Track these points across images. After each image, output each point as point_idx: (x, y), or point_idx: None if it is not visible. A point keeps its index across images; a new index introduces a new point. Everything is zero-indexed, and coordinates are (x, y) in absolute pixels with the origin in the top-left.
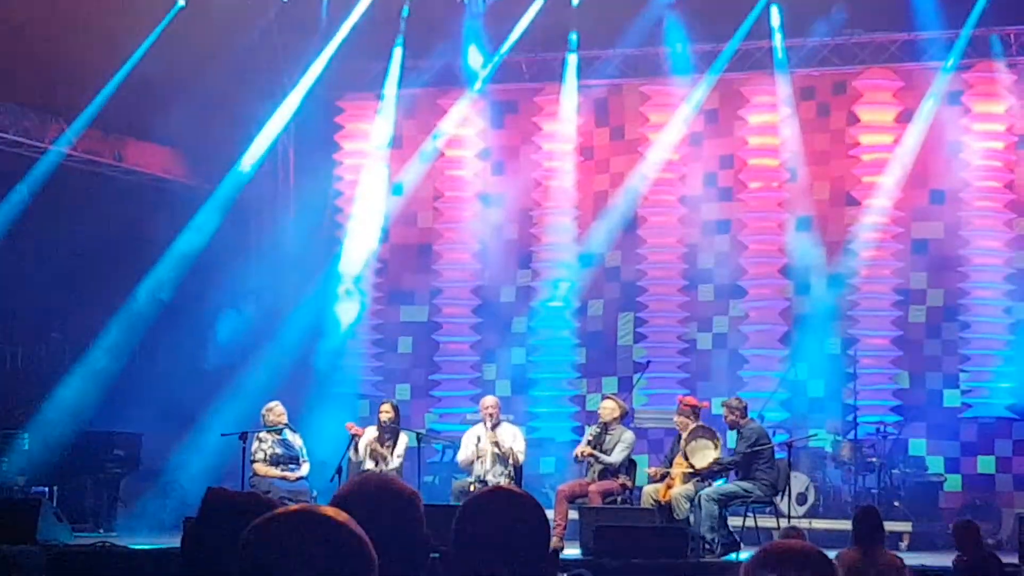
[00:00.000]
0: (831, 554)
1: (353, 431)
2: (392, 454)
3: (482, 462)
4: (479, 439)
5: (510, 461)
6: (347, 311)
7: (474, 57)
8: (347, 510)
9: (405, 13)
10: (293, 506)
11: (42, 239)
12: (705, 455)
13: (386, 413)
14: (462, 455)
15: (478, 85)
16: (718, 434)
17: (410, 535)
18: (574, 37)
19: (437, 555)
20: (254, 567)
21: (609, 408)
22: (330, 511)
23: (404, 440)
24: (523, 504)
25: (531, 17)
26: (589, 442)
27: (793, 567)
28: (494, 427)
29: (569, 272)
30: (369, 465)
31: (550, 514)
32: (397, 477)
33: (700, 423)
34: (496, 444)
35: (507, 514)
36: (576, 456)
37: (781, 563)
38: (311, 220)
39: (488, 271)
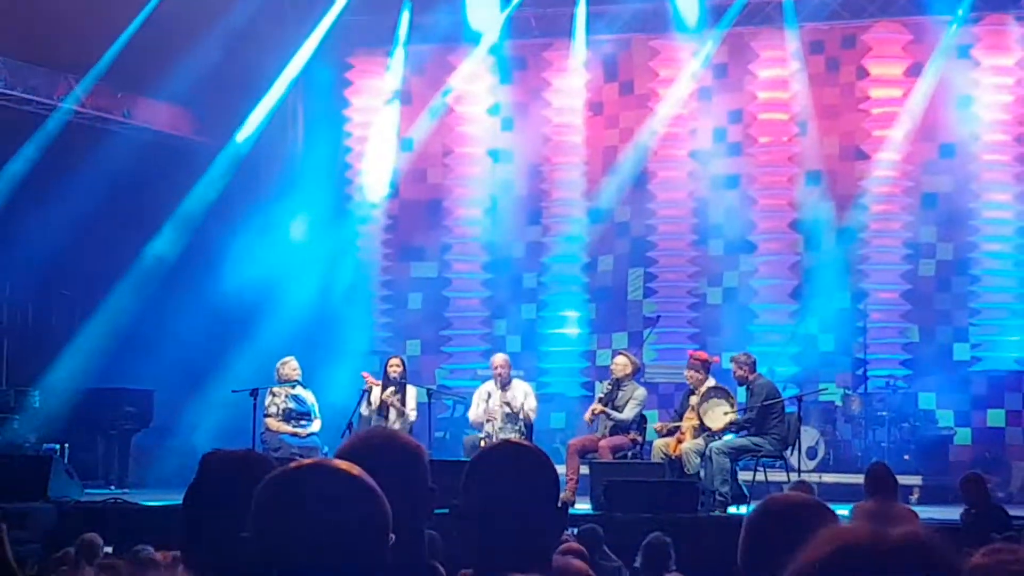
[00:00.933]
0: (844, 508)
1: (369, 381)
2: (405, 407)
3: (492, 421)
4: (489, 396)
5: (521, 419)
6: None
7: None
8: (354, 463)
9: None
10: (307, 460)
11: (51, 196)
12: (720, 415)
13: (395, 368)
14: (473, 414)
15: (489, 41)
16: (732, 395)
17: (414, 489)
18: None
19: (447, 510)
20: (268, 520)
21: (622, 364)
22: (343, 465)
23: (413, 393)
24: (532, 458)
25: None
26: (601, 399)
27: (794, 518)
28: (504, 386)
29: (579, 227)
30: (377, 421)
31: (561, 469)
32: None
33: (714, 383)
34: (507, 404)
35: (516, 468)
36: (588, 419)
37: (784, 515)
38: (320, 176)
39: (498, 227)
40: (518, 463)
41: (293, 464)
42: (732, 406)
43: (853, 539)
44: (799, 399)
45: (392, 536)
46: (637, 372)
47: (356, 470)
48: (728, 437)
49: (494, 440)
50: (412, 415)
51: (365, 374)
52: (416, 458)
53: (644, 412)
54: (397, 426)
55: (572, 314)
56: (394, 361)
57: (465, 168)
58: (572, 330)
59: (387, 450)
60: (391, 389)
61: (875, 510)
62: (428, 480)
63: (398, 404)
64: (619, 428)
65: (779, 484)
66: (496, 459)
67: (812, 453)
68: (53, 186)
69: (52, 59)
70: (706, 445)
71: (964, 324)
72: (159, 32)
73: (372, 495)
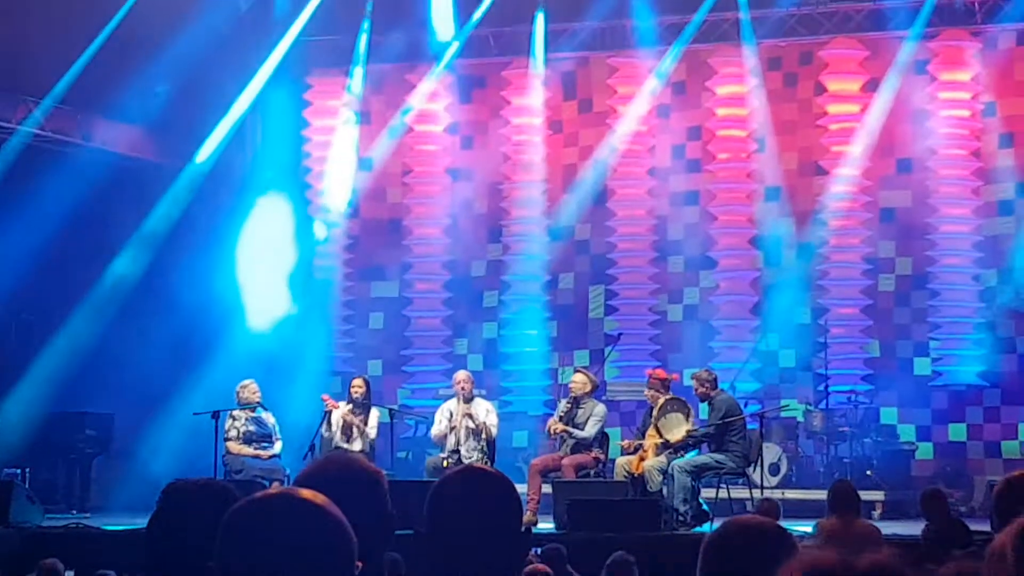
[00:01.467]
0: (807, 524)
1: (329, 404)
2: (366, 426)
3: (455, 436)
4: (451, 414)
5: (483, 435)
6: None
7: (442, 25)
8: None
9: None
10: (272, 489)
11: (10, 220)
12: (678, 428)
13: (358, 388)
14: (435, 430)
15: (445, 61)
16: (689, 406)
17: (374, 513)
18: (540, 12)
19: (410, 531)
20: (235, 551)
21: (580, 382)
22: (308, 494)
23: (376, 414)
24: (494, 483)
25: None
26: (561, 417)
27: (752, 541)
28: (467, 401)
29: (539, 246)
30: (340, 441)
31: (523, 489)
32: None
33: (672, 396)
34: (469, 417)
35: (479, 493)
36: (548, 431)
37: (742, 535)
38: (279, 197)
39: (458, 246)
40: (481, 488)
41: (259, 494)
42: (688, 418)
43: (822, 566)
44: (761, 415)
45: (358, 564)
46: (596, 389)
47: (321, 499)
48: (691, 455)
49: (457, 455)
50: (372, 433)
51: (325, 396)
52: (375, 483)
53: (606, 429)
54: (358, 446)
55: (533, 332)
56: (357, 381)
57: (425, 187)
58: (532, 348)
59: (346, 476)
60: (349, 407)
61: (838, 527)
62: (388, 505)
63: (359, 423)
64: (581, 446)
65: (742, 501)
66: (459, 484)
67: (775, 469)
68: (12, 210)
69: (10, 82)
70: (668, 463)
71: (924, 339)
72: (118, 54)
73: (338, 525)
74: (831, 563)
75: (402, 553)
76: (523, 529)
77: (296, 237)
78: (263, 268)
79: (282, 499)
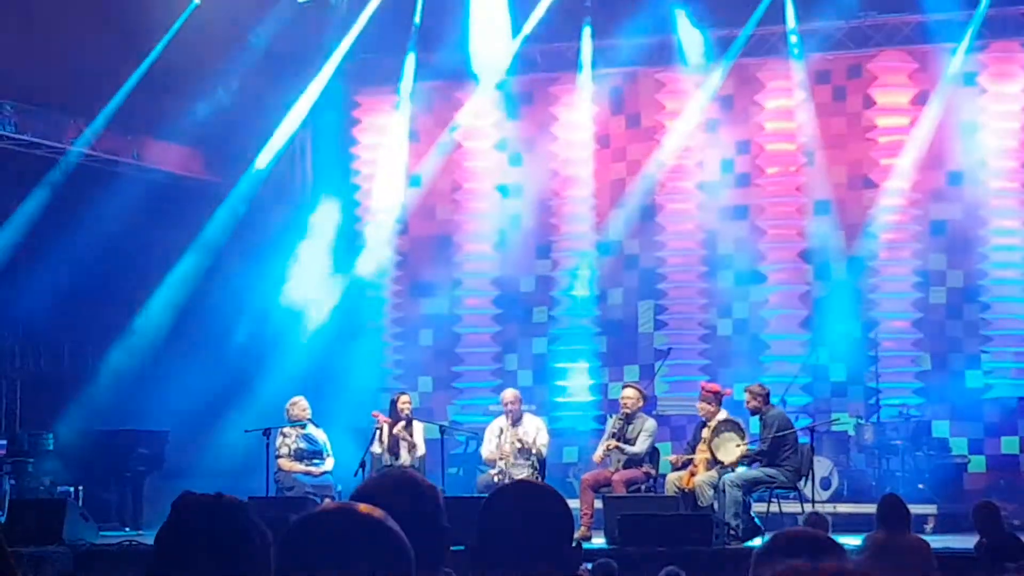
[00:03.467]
0: (858, 538)
1: (381, 419)
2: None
3: (504, 459)
4: (501, 432)
5: (533, 453)
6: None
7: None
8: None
9: (419, 6)
10: (331, 504)
11: (63, 239)
12: (731, 448)
13: (405, 404)
14: (485, 450)
15: (497, 79)
16: (743, 426)
17: (430, 529)
18: (588, 27)
19: (462, 547)
20: (295, 566)
21: (633, 397)
22: (366, 508)
23: (420, 428)
24: (546, 497)
25: (545, 7)
26: (613, 434)
27: (802, 551)
28: (515, 422)
29: (588, 260)
30: (389, 459)
31: (575, 504)
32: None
33: (726, 416)
34: (519, 440)
35: (530, 508)
36: (598, 459)
37: (790, 547)
38: (329, 214)
39: (507, 262)
40: (533, 502)
41: (317, 508)
42: (743, 439)
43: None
44: (812, 429)
45: None
46: (646, 403)
47: (379, 513)
48: (741, 469)
49: (507, 477)
50: (421, 449)
51: (376, 413)
52: (431, 498)
53: (656, 444)
54: (408, 461)
55: (582, 347)
56: (403, 397)
57: (474, 203)
58: (583, 364)
59: (403, 490)
60: (401, 423)
61: (887, 540)
62: (443, 519)
63: (409, 438)
64: (632, 461)
65: (793, 515)
66: (511, 499)
67: (826, 484)
68: (64, 229)
69: (61, 103)
70: (719, 477)
71: (976, 351)
72: (167, 74)
73: (396, 538)
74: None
75: (454, 568)
76: (574, 544)
77: (346, 253)
78: (313, 285)
79: (340, 514)
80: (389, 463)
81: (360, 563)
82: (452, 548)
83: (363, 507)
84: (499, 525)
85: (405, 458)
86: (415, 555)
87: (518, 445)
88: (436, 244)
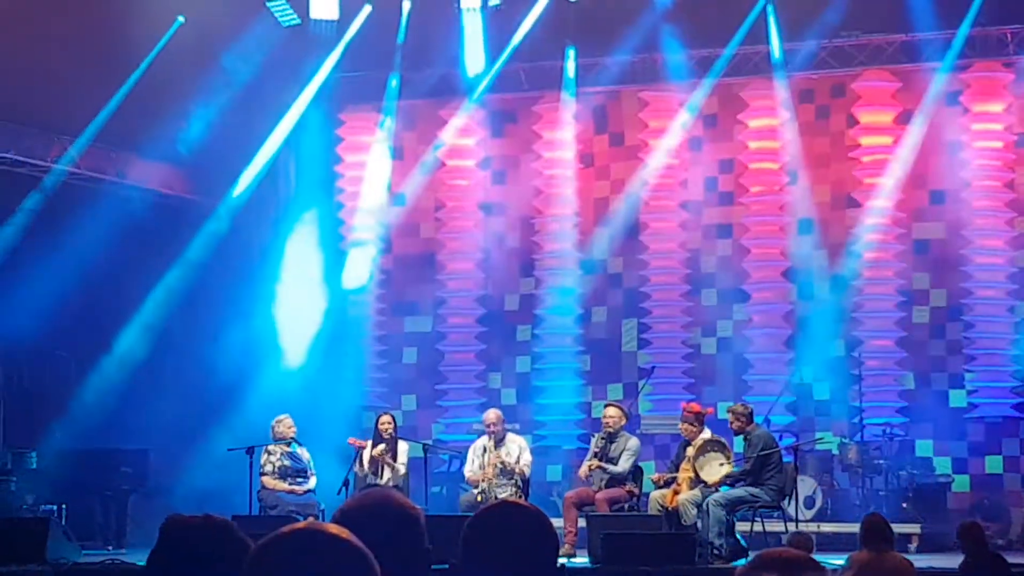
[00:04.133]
0: (841, 557)
1: (356, 445)
2: (396, 462)
3: (487, 479)
4: (485, 450)
5: (516, 474)
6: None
7: (472, 60)
8: (349, 526)
9: (403, 25)
10: (298, 524)
11: (46, 258)
12: (716, 468)
13: (385, 424)
14: (468, 470)
15: (476, 94)
16: (728, 448)
17: (411, 550)
18: (571, 46)
19: (445, 566)
20: None
21: (616, 416)
22: (334, 528)
23: (404, 448)
24: (529, 517)
25: (528, 26)
26: (596, 453)
27: (784, 571)
28: (498, 444)
29: (571, 279)
30: (371, 478)
31: (559, 522)
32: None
33: (711, 436)
34: (501, 461)
35: (514, 528)
36: (583, 476)
37: (773, 567)
38: (313, 233)
39: (491, 280)
40: (517, 523)
41: (285, 528)
42: (728, 459)
43: None
44: (795, 449)
45: None
46: (629, 422)
47: (346, 533)
48: (725, 489)
49: (489, 498)
50: (402, 469)
51: (352, 440)
52: (413, 519)
53: (639, 463)
54: (391, 481)
55: (566, 366)
56: (384, 418)
57: (457, 222)
58: (565, 382)
59: (384, 512)
60: (382, 446)
61: (870, 560)
62: (425, 541)
63: (389, 460)
64: (615, 480)
65: (777, 535)
66: (495, 519)
67: (810, 503)
68: (47, 247)
69: (45, 120)
70: (703, 496)
71: (959, 371)
72: (152, 92)
73: (362, 557)
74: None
75: None
76: (559, 566)
77: (329, 272)
78: (296, 303)
79: (307, 533)
80: (372, 483)
81: None
82: (434, 567)
83: (329, 527)
84: (483, 545)
85: (388, 477)
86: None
87: (500, 467)
88: (420, 262)
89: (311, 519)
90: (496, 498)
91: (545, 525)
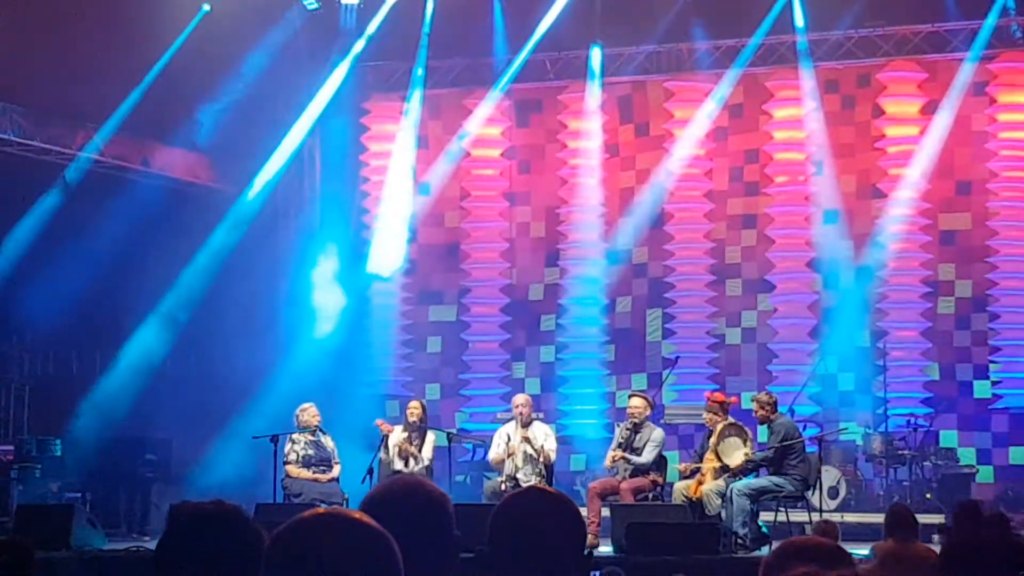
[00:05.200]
0: (865, 548)
1: (383, 428)
2: (421, 452)
3: (513, 460)
4: (509, 437)
5: (541, 459)
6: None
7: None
8: (377, 512)
9: (429, 14)
10: (320, 509)
11: (72, 245)
12: (737, 453)
13: (414, 412)
14: (493, 453)
15: (502, 83)
16: (748, 431)
17: (439, 536)
18: (598, 36)
19: (471, 554)
20: (282, 568)
21: (640, 406)
22: (355, 514)
23: (431, 438)
24: (558, 504)
25: (555, 15)
26: (620, 444)
27: (810, 559)
28: (525, 425)
29: (596, 269)
30: (399, 465)
31: (583, 512)
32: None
33: (730, 420)
34: (527, 442)
35: (542, 514)
36: (608, 466)
37: (799, 556)
38: (338, 222)
39: (516, 269)
40: (545, 509)
41: (306, 513)
42: (746, 443)
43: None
44: (820, 439)
45: None
46: (654, 412)
47: (367, 519)
48: (749, 478)
49: (515, 481)
50: (426, 460)
51: (379, 421)
52: (441, 506)
53: (664, 453)
54: (415, 469)
55: (590, 356)
56: (413, 404)
57: (482, 211)
58: (590, 372)
59: (412, 499)
60: (405, 436)
61: (895, 550)
62: (453, 528)
63: (413, 450)
64: (639, 470)
65: (801, 525)
66: (523, 505)
67: (833, 493)
68: (73, 234)
69: (71, 109)
70: (727, 486)
71: (984, 361)
72: (177, 80)
73: (384, 544)
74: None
75: (463, 575)
76: (586, 552)
77: (354, 260)
78: (323, 292)
79: (328, 518)
80: (398, 469)
81: (345, 567)
82: (461, 555)
83: (351, 512)
84: (510, 532)
85: (412, 467)
86: (425, 563)
87: (527, 448)
88: (445, 252)
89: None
90: (520, 485)
91: (573, 511)
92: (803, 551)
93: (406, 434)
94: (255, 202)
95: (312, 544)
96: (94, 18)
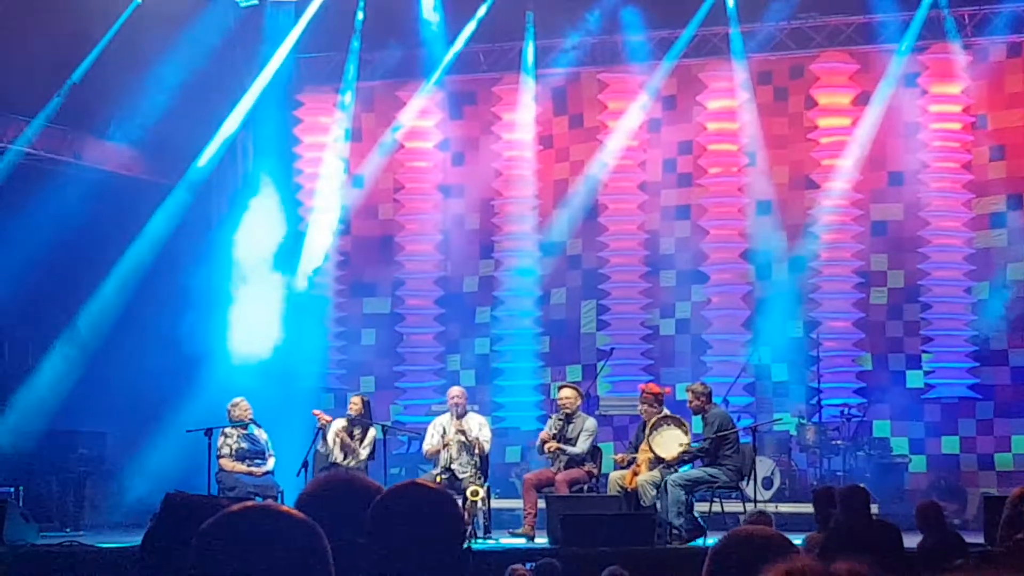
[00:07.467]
0: (799, 538)
1: (321, 419)
2: (360, 447)
3: (448, 452)
4: (444, 429)
5: (476, 450)
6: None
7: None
8: (314, 507)
9: (362, 5)
10: (248, 503)
11: (2, 238)
12: (673, 444)
13: (355, 406)
14: (427, 445)
15: (435, 76)
16: (685, 422)
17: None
18: (530, 28)
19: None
20: (209, 562)
21: (571, 397)
22: (284, 508)
23: (373, 434)
24: (436, 499)
25: (487, 7)
26: (554, 435)
27: (756, 551)
28: (460, 417)
29: (531, 261)
30: (337, 456)
31: (519, 504)
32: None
33: (666, 412)
34: (462, 433)
35: (420, 508)
36: (540, 448)
37: (744, 547)
38: (271, 214)
39: (450, 262)
40: (423, 504)
41: (234, 507)
42: (686, 434)
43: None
44: (754, 429)
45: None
46: (586, 403)
47: (296, 512)
48: (684, 469)
49: (450, 472)
50: (363, 452)
51: (317, 412)
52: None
53: (599, 444)
54: (353, 463)
55: (525, 348)
56: (354, 400)
57: (416, 203)
58: (524, 364)
59: (348, 494)
60: (342, 426)
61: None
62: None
63: (348, 441)
64: (574, 461)
65: (736, 515)
66: (401, 500)
67: (768, 483)
68: (3, 228)
69: (2, 101)
70: (662, 477)
71: (917, 351)
72: (108, 73)
73: (313, 537)
74: (812, 568)
75: (342, 562)
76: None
77: (287, 253)
78: (255, 285)
79: (256, 511)
80: (335, 462)
81: (273, 560)
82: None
83: (279, 506)
84: (390, 523)
85: (348, 460)
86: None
87: (461, 438)
88: (378, 244)
89: (270, 500)
90: (458, 477)
91: (451, 505)
92: (749, 541)
93: (347, 426)
94: (189, 195)
95: (239, 537)
96: (24, 9)
